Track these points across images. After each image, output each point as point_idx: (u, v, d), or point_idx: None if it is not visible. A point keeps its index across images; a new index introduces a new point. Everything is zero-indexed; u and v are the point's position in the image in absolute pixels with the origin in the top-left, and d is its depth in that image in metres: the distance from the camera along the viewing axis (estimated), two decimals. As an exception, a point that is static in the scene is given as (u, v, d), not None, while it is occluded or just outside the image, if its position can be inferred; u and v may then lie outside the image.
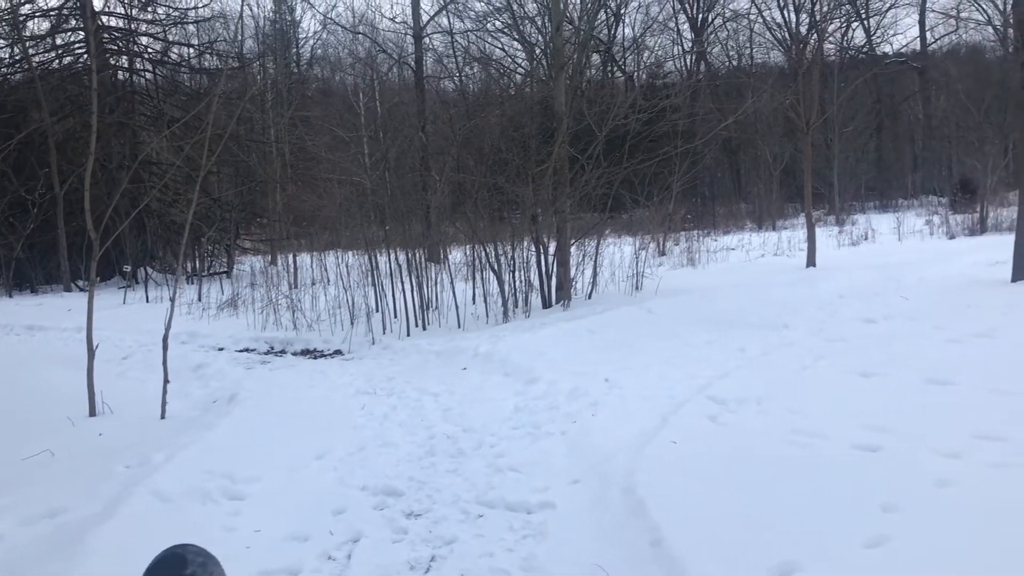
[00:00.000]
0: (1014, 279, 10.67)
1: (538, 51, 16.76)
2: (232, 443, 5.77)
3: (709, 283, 13.15)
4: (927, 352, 7.10)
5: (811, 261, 14.77)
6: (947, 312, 9.01)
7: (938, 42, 43.24)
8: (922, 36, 42.58)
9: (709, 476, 4.52)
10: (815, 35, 24.81)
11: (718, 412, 5.68)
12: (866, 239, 20.70)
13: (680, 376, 6.98)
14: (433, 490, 4.79)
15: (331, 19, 34.10)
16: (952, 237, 20.18)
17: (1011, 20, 11.04)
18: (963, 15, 38.77)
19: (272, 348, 10.27)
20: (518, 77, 21.32)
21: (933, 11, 41.75)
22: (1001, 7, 30.18)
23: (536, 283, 11.63)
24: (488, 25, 23.29)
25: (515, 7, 18.39)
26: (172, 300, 7.31)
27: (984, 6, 34.46)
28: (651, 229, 20.03)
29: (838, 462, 4.56)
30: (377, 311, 11.26)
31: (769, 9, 39.85)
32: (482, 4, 26.24)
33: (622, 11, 39.91)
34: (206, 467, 5.09)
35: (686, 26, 42.44)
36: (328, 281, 13.75)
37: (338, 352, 9.83)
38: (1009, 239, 11.49)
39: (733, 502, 4.13)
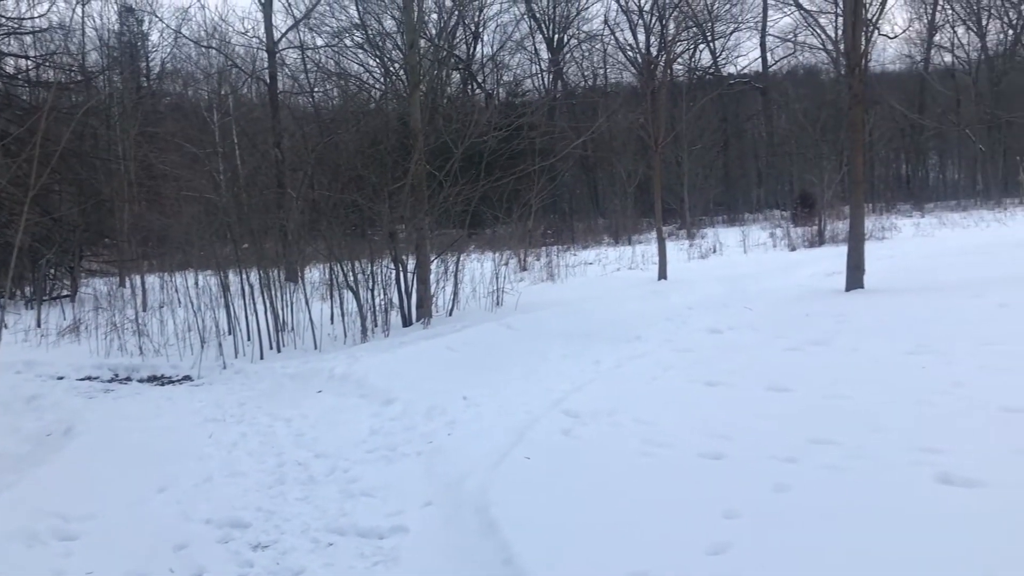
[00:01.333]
0: (847, 288, 11.36)
1: (395, 67, 16.71)
2: (65, 479, 5.41)
3: (568, 297, 13.38)
4: (768, 361, 7.45)
5: (662, 274, 15.27)
6: (787, 321, 9.50)
7: (778, 64, 45.77)
8: (763, 58, 44.98)
9: (562, 490, 4.56)
10: (664, 56, 25.84)
11: (572, 426, 5.75)
12: (714, 252, 21.61)
13: (537, 391, 7.05)
14: (282, 520, 4.64)
15: (181, 33, 32.90)
16: (793, 249, 21.34)
17: (841, 46, 11.80)
18: (800, 39, 41.26)
19: (116, 375, 9.73)
20: (377, 93, 21.19)
21: (772, 35, 44.26)
22: (833, 34, 32.23)
23: (396, 301, 11.51)
24: (345, 41, 23.07)
25: (372, 23, 18.27)
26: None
27: (819, 32, 36.75)
28: (512, 245, 20.26)
29: (685, 471, 4.69)
30: (230, 334, 10.87)
31: (622, 31, 41.24)
32: (335, 20, 25.98)
33: (481, 30, 40.34)
34: (34, 506, 4.75)
35: (543, 46, 43.27)
36: (179, 303, 13.18)
37: (187, 378, 9.42)
38: (844, 250, 12.23)
39: (585, 515, 4.18)
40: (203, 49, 22.86)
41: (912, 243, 20.16)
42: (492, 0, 35.23)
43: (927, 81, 37.82)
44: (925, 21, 43.35)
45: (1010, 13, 26.42)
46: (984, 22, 39.85)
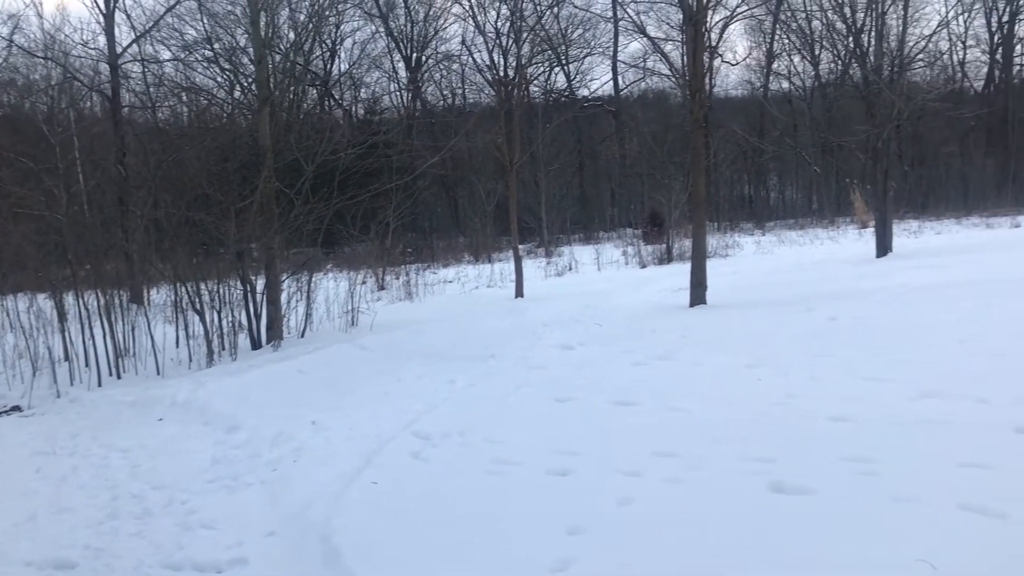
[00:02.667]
0: (691, 304, 11.82)
1: (247, 83, 16.25)
2: None
3: (425, 316, 13.34)
4: (616, 376, 7.63)
5: (519, 292, 15.44)
6: (634, 337, 9.78)
7: (629, 88, 47.40)
8: (615, 82, 46.46)
9: (409, 514, 4.51)
10: (520, 78, 26.27)
11: (422, 447, 5.71)
12: (570, 270, 22.06)
13: (389, 413, 6.96)
14: (112, 557, 4.37)
15: (13, 42, 30.91)
16: (644, 266, 22.05)
17: (686, 74, 12.33)
18: (648, 65, 42.85)
19: (-66, 409, 8.99)
20: (227, 108, 20.54)
21: (622, 62, 45.83)
22: (678, 61, 33.64)
23: (245, 323, 11.14)
24: (194, 55, 22.28)
25: (224, 37, 17.73)
26: None
27: (664, 59, 38.22)
28: (370, 263, 20.05)
29: (532, 489, 4.73)
30: (66, 360, 10.24)
31: (479, 51, 41.68)
32: (181, 34, 25.08)
33: (338, 46, 39.89)
34: None
35: (401, 64, 43.19)
36: (9, 328, 12.30)
37: (16, 408, 8.80)
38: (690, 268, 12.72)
39: (431, 538, 4.14)
40: (40, 59, 21.54)
41: (753, 260, 21.20)
42: (349, 17, 34.93)
43: (766, 106, 40.01)
44: (764, 50, 45.99)
45: (839, 45, 28.33)
46: (817, 52, 42.56)
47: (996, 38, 47.20)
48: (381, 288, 19.35)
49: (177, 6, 23.37)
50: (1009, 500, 3.85)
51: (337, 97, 40.39)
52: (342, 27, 36.47)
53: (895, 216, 22.63)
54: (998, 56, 47.45)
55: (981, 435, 4.92)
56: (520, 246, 17.40)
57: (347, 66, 40.11)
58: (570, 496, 4.56)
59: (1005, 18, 46.74)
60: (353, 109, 39.59)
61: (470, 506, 4.55)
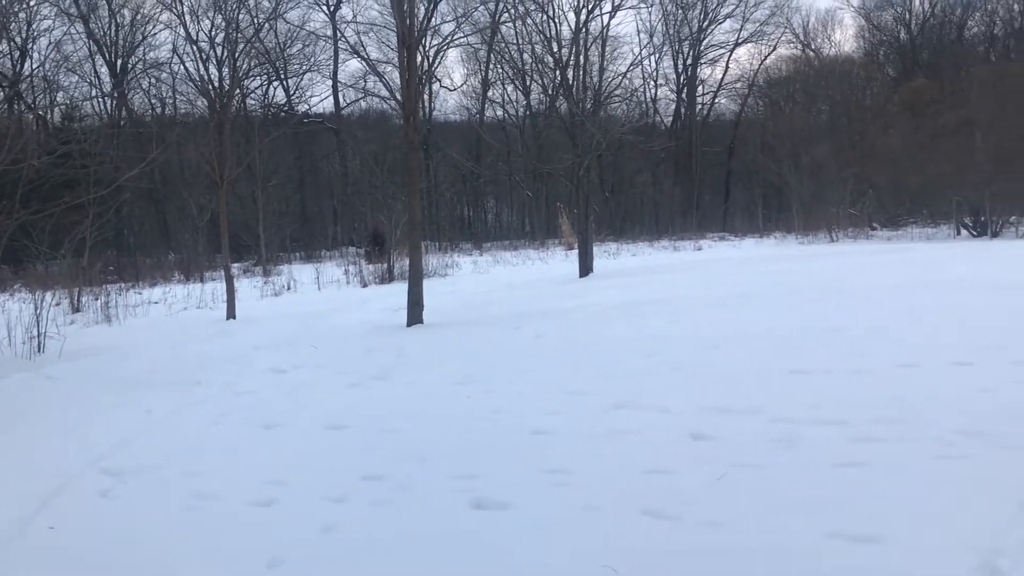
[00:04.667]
0: (409, 324, 11.95)
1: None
2: None
3: (124, 341, 12.38)
4: (329, 398, 7.51)
5: (231, 314, 14.80)
6: (351, 358, 9.70)
7: (350, 106, 47.29)
8: (336, 100, 46.15)
9: (93, 561, 4.12)
10: (235, 90, 25.30)
11: (112, 485, 5.25)
12: (289, 289, 21.51)
13: (75, 449, 6.33)
14: None
15: None
16: (365, 285, 22.01)
17: (400, 98, 12.49)
18: (369, 86, 43.00)
19: None
20: None
21: (342, 82, 45.67)
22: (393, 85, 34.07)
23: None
24: None
25: None
26: None
27: (383, 81, 38.53)
28: (64, 283, 18.27)
29: (232, 522, 4.50)
30: None
31: (193, 60, 39.59)
32: None
33: (30, 45, 36.19)
34: None
35: (104, 69, 40.04)
36: None
37: None
38: (408, 287, 12.86)
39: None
40: None
41: (470, 279, 21.88)
42: (43, 15, 31.82)
43: (481, 133, 41.65)
44: (480, 78, 47.83)
45: (546, 78, 30.15)
46: (528, 83, 44.99)
47: (682, 79, 52.54)
48: (76, 310, 17.69)
49: None
50: (685, 503, 4.21)
51: (29, 101, 36.60)
52: (35, 24, 33.16)
53: (596, 239, 24.36)
54: (684, 95, 52.81)
55: (664, 442, 5.37)
56: (235, 265, 16.71)
57: (42, 68, 36.51)
58: (273, 527, 4.39)
59: (689, 61, 52.17)
60: (49, 115, 36.07)
61: (164, 546, 4.24)
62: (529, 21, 23.14)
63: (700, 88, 53.80)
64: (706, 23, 51.86)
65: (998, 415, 5.34)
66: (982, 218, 30.19)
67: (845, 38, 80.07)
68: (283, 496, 4.83)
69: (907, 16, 54.03)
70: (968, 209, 31.09)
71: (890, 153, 34.65)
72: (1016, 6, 52.89)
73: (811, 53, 52.90)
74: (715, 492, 4.35)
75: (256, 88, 40.71)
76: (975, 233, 30.43)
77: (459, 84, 49.01)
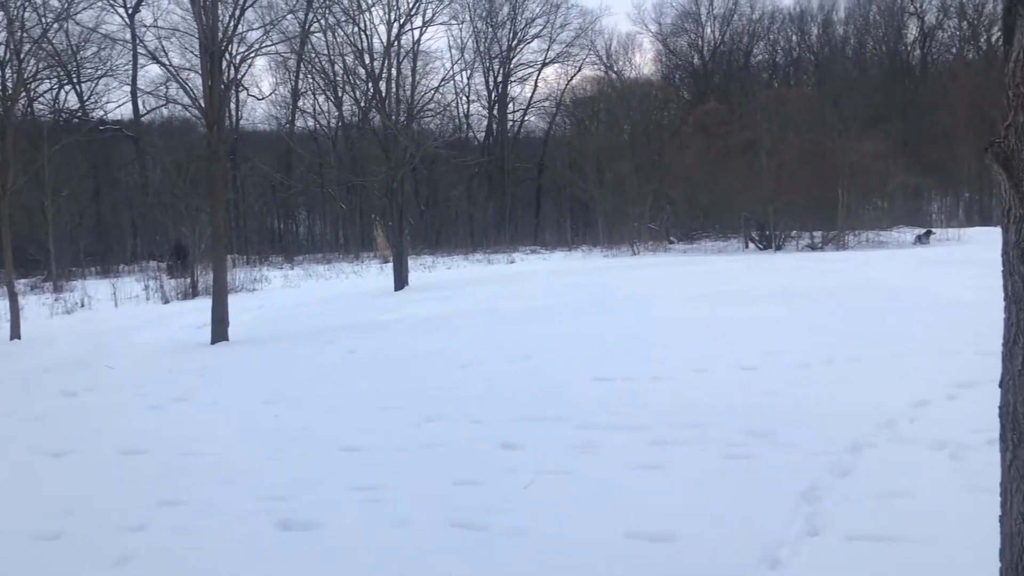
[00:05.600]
0: (213, 341, 11.49)
1: None
2: None
3: None
4: (126, 422, 7.10)
5: (15, 333, 13.67)
6: (151, 378, 9.20)
7: (151, 113, 44.91)
8: (135, 107, 43.72)
9: None
10: (18, 94, 23.39)
11: None
12: (82, 306, 20.13)
13: None
14: None
15: None
16: (167, 302, 20.94)
17: (203, 106, 12.01)
18: (171, 93, 41.01)
19: None
20: None
21: (142, 88, 43.34)
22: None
23: None
24: None
25: None
26: None
27: (186, 88, 36.91)
28: None
29: (12, 562, 4.17)
30: None
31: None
32: None
33: None
34: None
35: None
36: None
37: None
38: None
39: None
40: None
41: (280, 294, 21.32)
42: None
43: (291, 144, 40.69)
44: (290, 87, 46.77)
45: (358, 90, 29.89)
46: (340, 94, 44.41)
47: (493, 95, 53.64)
48: None
49: None
50: (493, 513, 4.30)
51: None
52: None
53: (412, 252, 24.38)
54: (495, 111, 53.94)
55: (474, 454, 5.46)
56: (21, 280, 15.41)
57: None
58: (61, 563, 4.10)
59: (499, 78, 53.35)
60: None
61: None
62: (340, 32, 22.87)
63: (511, 105, 55.15)
64: (515, 42, 53.28)
65: (780, 415, 5.82)
66: (767, 232, 32.66)
67: (644, 61, 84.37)
68: (72, 528, 4.52)
69: (700, 43, 57.75)
70: (755, 224, 33.53)
71: (685, 171, 36.85)
72: (794, 37, 57.82)
73: (614, 75, 55.43)
74: (522, 500, 4.48)
75: (45, 92, 37.89)
76: (761, 246, 32.86)
77: (268, 93, 47.77)
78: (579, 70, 55.24)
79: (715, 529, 3.91)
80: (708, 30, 57.51)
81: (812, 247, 30.92)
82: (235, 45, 13.87)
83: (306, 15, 23.87)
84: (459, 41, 51.26)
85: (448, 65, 50.14)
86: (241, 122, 46.42)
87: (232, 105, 43.73)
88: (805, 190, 30.56)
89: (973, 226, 33.84)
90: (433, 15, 25.63)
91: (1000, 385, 2.46)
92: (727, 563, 3.59)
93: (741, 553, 3.63)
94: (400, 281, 19.64)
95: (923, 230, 30.64)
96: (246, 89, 44.76)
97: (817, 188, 30.83)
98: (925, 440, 4.98)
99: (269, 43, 15.74)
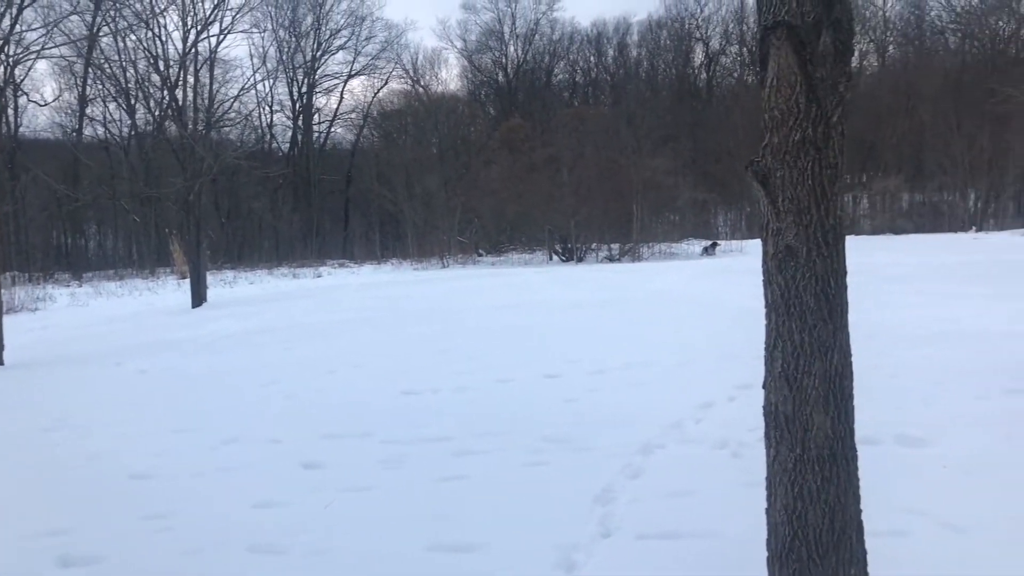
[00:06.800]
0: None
1: None
2: None
3: None
4: None
5: None
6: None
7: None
8: None
9: None
10: None
11: None
12: None
13: None
14: None
15: None
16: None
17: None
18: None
19: None
20: None
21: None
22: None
23: None
24: None
25: None
26: None
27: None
28: None
29: None
30: None
31: None
32: None
33: None
34: None
35: None
36: None
37: None
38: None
39: None
40: None
41: (67, 314, 19.84)
42: None
43: (77, 153, 38.01)
44: (76, 93, 43.69)
45: (151, 100, 28.41)
46: (132, 102, 41.98)
47: (298, 106, 52.53)
48: None
49: None
50: (293, 535, 4.19)
51: None
52: None
53: (212, 267, 23.38)
54: (300, 122, 52.83)
55: (274, 475, 5.31)
56: None
57: None
58: None
59: (304, 89, 52.34)
60: None
61: None
62: (132, 37, 21.65)
63: (316, 116, 54.20)
64: (320, 53, 52.49)
65: (578, 421, 6.05)
66: (569, 245, 33.87)
67: (451, 77, 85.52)
68: None
69: (504, 60, 59.18)
70: (558, 237, 34.69)
71: (491, 184, 37.60)
72: (592, 58, 60.44)
73: (421, 89, 55.77)
74: (324, 520, 4.40)
75: None
76: (564, 258, 34.04)
77: (51, 99, 44.32)
78: (386, 83, 55.20)
79: (515, 536, 4.00)
80: (511, 48, 59.07)
81: (610, 259, 32.35)
82: (12, 46, 12.82)
83: (94, 18, 22.41)
84: (261, 50, 49.86)
85: (249, 74, 48.64)
86: (20, 129, 42.90)
87: (10, 111, 40.39)
88: (603, 205, 32.00)
89: (755, 238, 36.59)
90: (232, 22, 24.80)
91: (763, 387, 2.70)
92: (525, 569, 3.68)
93: (539, 558, 3.74)
94: (198, 298, 18.78)
95: (709, 242, 32.84)
96: (26, 94, 41.44)
97: (614, 203, 32.35)
98: (709, 440, 5.34)
99: (52, 45, 14.63)
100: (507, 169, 37.31)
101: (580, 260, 32.74)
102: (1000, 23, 47.62)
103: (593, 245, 33.99)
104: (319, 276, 30.28)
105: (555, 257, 34.92)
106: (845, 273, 2.52)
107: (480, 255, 39.03)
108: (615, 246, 33.27)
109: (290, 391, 7.80)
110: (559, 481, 4.78)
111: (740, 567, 3.41)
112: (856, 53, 52.04)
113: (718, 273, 18.74)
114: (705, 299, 13.18)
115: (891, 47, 54.69)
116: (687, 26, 58.55)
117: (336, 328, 12.22)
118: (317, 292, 20.74)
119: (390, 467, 5.24)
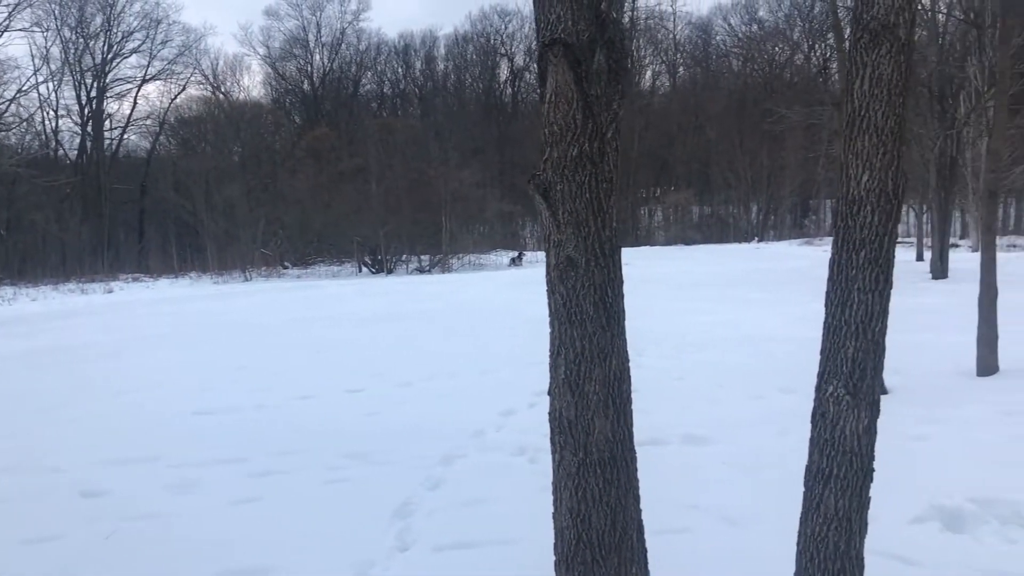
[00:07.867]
0: None
1: None
2: None
3: None
4: None
5: None
6: None
7: None
8: None
9: None
10: None
11: None
12: None
13: None
14: None
15: None
16: None
17: None
18: None
19: None
20: None
21: None
22: None
23: None
24: None
25: None
26: None
27: None
28: None
29: None
30: None
31: None
32: None
33: None
34: None
35: None
36: None
37: None
38: None
39: None
40: None
41: None
42: None
43: None
44: None
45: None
46: None
47: (87, 111, 49.16)
48: None
49: None
50: (67, 570, 3.89)
51: None
52: None
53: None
54: (90, 128, 49.44)
55: (49, 506, 4.90)
56: None
57: None
58: None
59: (94, 93, 49.06)
60: None
61: None
62: None
63: (108, 122, 50.85)
64: (111, 55, 49.30)
65: (380, 435, 5.99)
66: (379, 256, 33.61)
67: (254, 84, 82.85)
68: None
69: (309, 69, 58.01)
70: (367, 248, 34.34)
71: (297, 194, 36.70)
72: (400, 70, 60.38)
73: (222, 96, 53.63)
74: (104, 552, 4.10)
75: None
76: (374, 270, 33.72)
77: None
78: (184, 89, 52.71)
79: (310, 556, 3.90)
80: (317, 57, 58.01)
81: (421, 270, 32.38)
82: None
83: None
84: (43, 50, 46.28)
85: (29, 74, 45.00)
86: None
87: None
88: (412, 216, 32.00)
89: (559, 249, 37.71)
90: (8, 19, 22.83)
91: (548, 393, 2.77)
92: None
93: (335, 576, 3.66)
94: (-32, 317, 17.10)
95: (516, 253, 33.57)
96: None
97: (423, 214, 32.44)
98: (508, 447, 5.43)
99: None
100: (313, 179, 36.56)
101: (390, 272, 32.54)
102: (776, 49, 51.83)
103: (403, 256, 33.89)
104: (110, 292, 28.35)
105: (364, 269, 34.52)
106: (622, 282, 2.62)
107: (286, 267, 37.95)
108: (425, 257, 33.33)
109: (73, 416, 7.24)
110: (358, 497, 4.71)
111: (534, 572, 3.47)
112: (649, 74, 55.10)
113: (523, 284, 19.19)
114: (509, 309, 13.45)
115: (681, 68, 58.20)
116: (492, 42, 59.74)
117: (127, 347, 11.49)
118: (106, 309, 19.42)
119: (179, 492, 4.97)
